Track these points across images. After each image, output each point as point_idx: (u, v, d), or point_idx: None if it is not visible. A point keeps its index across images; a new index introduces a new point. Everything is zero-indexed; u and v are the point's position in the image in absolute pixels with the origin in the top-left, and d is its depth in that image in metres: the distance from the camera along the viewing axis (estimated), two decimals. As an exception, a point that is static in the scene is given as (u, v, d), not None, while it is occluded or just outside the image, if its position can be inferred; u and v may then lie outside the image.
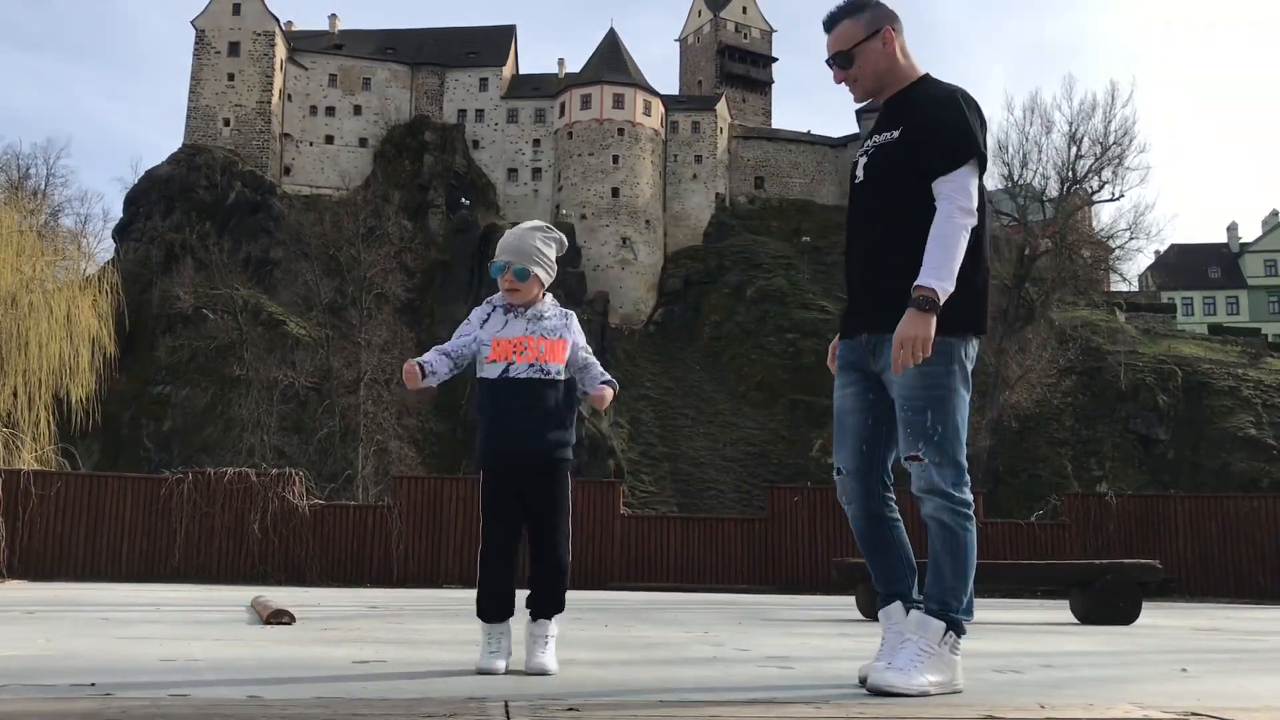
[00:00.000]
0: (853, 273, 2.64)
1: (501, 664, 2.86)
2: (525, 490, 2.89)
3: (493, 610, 2.91)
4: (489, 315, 2.98)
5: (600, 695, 2.35)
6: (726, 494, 47.64)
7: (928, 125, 2.51)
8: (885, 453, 2.62)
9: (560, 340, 2.93)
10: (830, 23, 2.63)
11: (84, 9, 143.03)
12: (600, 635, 4.48)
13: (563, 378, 2.93)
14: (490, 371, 2.93)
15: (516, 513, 2.92)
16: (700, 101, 65.19)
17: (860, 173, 2.63)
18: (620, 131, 59.77)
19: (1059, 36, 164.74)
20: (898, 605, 2.60)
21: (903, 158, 2.53)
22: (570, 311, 3.05)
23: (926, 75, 2.65)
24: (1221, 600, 14.10)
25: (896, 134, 2.55)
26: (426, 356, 2.94)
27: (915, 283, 2.41)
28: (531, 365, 2.90)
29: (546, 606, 2.91)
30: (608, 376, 3.03)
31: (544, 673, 2.76)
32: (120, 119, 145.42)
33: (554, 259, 2.99)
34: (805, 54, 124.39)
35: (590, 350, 3.05)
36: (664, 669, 2.42)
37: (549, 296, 3.02)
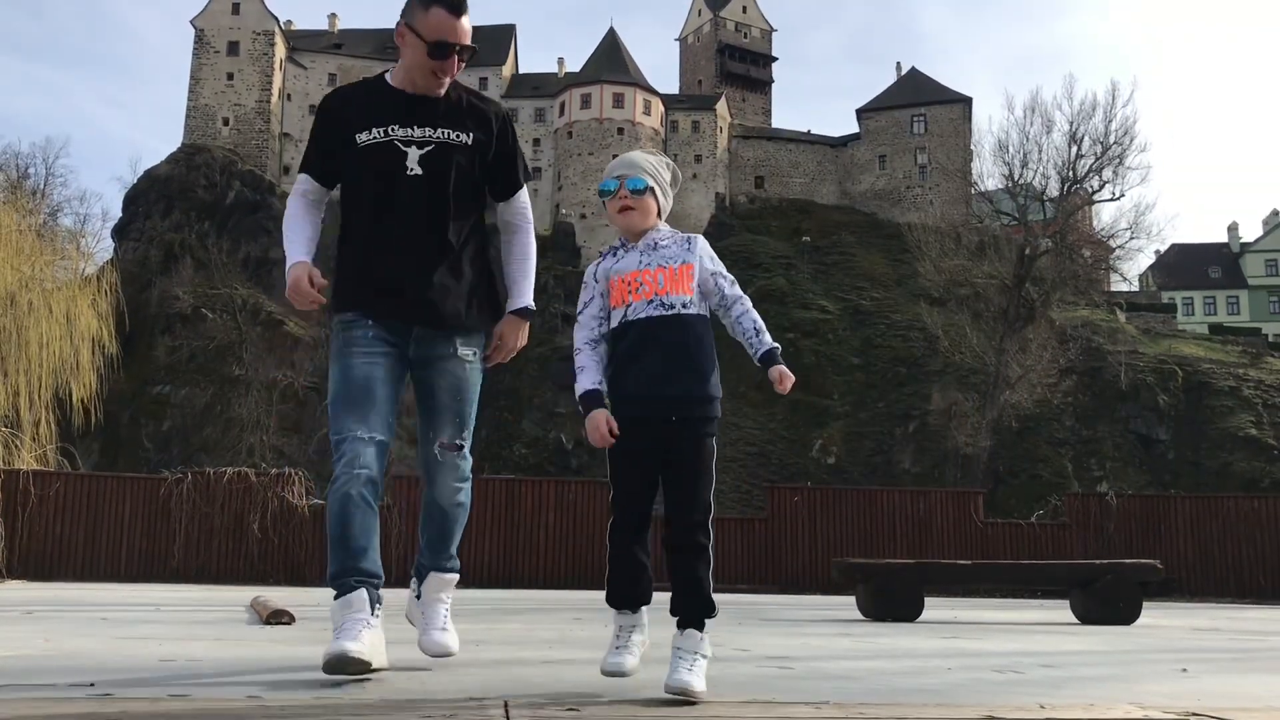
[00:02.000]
0: (408, 265, 2.64)
1: (630, 661, 2.40)
2: (656, 454, 2.38)
3: (619, 595, 2.42)
4: (599, 263, 2.53)
5: (600, 695, 2.34)
6: (726, 494, 47.62)
7: (503, 133, 2.73)
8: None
9: (684, 266, 2.46)
10: (464, 6, 2.60)
11: (80, 14, 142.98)
12: (600, 635, 4.48)
13: (694, 311, 2.44)
14: (613, 321, 2.46)
15: (648, 474, 2.39)
16: (700, 101, 65.22)
17: (418, 166, 2.59)
18: (620, 131, 59.88)
19: (1059, 39, 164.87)
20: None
21: (471, 160, 2.65)
22: (695, 235, 2.58)
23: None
24: (1222, 600, 14.10)
25: (468, 138, 2.65)
26: (589, 377, 2.41)
27: (518, 306, 2.76)
28: (650, 302, 2.42)
29: (686, 609, 2.39)
30: (765, 335, 2.46)
31: (684, 692, 2.25)
32: (119, 119, 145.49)
33: (671, 187, 2.60)
34: (805, 54, 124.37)
35: (734, 281, 2.53)
36: (663, 669, 2.32)
37: (665, 225, 2.57)
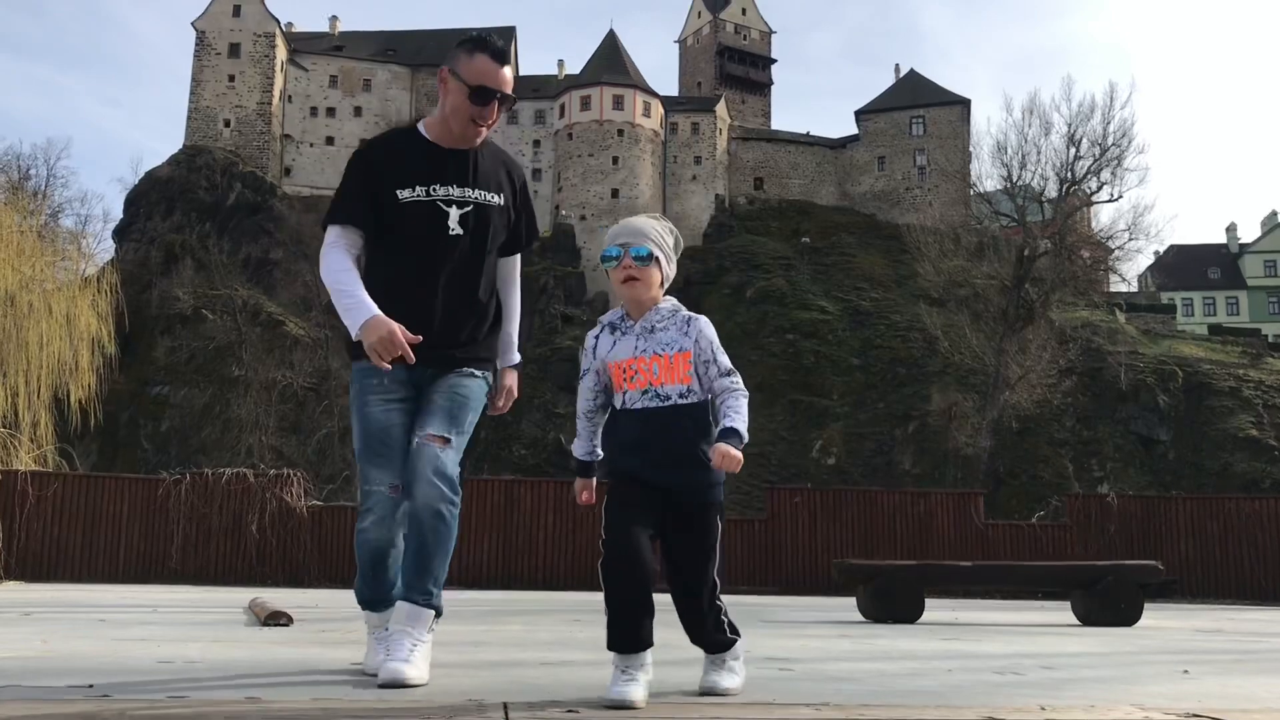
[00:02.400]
0: (442, 316, 2.70)
1: (638, 692, 2.24)
2: (656, 506, 2.36)
3: (620, 640, 2.30)
4: (598, 337, 2.52)
5: (600, 698, 2.32)
6: (726, 495, 47.50)
7: (522, 195, 2.83)
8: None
9: (680, 354, 2.40)
10: (508, 55, 2.70)
11: (80, 15, 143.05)
12: (599, 637, 4.60)
13: (691, 400, 2.39)
14: (615, 402, 2.46)
15: (646, 519, 2.32)
16: (700, 103, 65.11)
17: (458, 227, 2.67)
18: (620, 133, 59.72)
19: (1055, 40, 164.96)
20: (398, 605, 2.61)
21: (502, 222, 2.75)
22: (695, 316, 2.49)
23: None
24: (1223, 601, 14.08)
25: (501, 200, 2.75)
26: (579, 448, 2.48)
27: (515, 361, 2.90)
28: (644, 392, 2.39)
29: (708, 648, 2.49)
30: (734, 420, 2.33)
31: (712, 691, 2.41)
32: (120, 121, 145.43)
33: (674, 253, 2.52)
34: (805, 56, 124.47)
35: (729, 370, 2.42)
36: (663, 671, 2.39)
37: (669, 300, 2.50)
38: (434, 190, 2.66)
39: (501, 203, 2.75)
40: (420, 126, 2.75)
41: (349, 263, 2.65)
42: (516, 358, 2.88)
